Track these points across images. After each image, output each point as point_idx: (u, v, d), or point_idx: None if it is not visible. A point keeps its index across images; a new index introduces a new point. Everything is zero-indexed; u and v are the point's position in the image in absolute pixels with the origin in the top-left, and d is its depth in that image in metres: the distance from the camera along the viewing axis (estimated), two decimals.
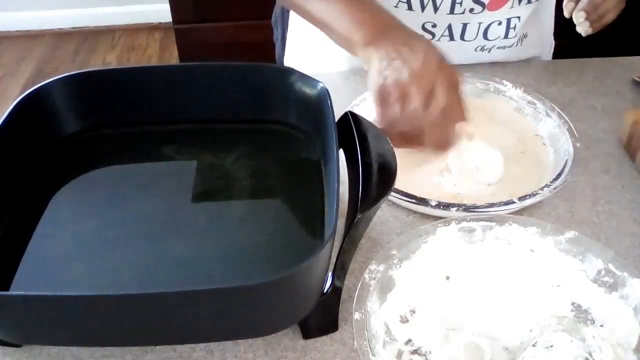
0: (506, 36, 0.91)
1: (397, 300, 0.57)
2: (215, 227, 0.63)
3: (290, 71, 0.69)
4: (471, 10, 0.86)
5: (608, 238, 0.69)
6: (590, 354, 0.51)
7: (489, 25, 0.89)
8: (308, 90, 0.68)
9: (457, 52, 0.90)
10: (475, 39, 0.90)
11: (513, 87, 0.84)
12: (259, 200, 0.67)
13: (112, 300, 0.48)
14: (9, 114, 0.63)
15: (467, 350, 0.53)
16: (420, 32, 0.88)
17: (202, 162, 0.69)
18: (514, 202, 0.67)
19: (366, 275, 0.57)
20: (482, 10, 0.86)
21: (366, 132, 0.60)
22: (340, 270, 0.56)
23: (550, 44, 1.04)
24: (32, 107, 0.66)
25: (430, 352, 0.54)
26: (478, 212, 0.66)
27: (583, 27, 0.84)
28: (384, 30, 0.73)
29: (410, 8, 0.86)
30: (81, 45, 2.67)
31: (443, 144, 0.71)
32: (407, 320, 0.56)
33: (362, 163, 0.56)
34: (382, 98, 0.68)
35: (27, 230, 0.61)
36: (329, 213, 0.59)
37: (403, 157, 0.68)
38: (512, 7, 0.87)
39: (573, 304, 0.58)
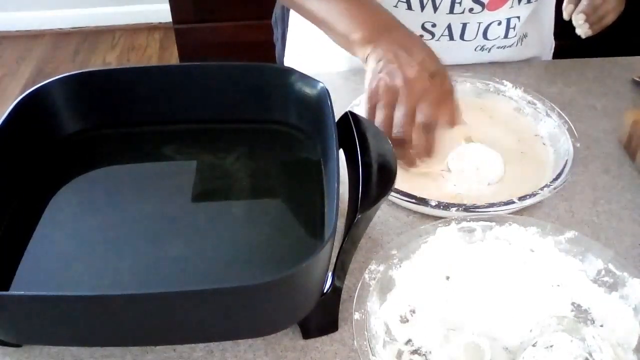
0: (506, 36, 0.91)
1: (397, 300, 0.57)
2: (215, 227, 0.63)
3: (290, 71, 0.69)
4: (471, 10, 0.86)
5: (608, 238, 0.69)
6: (590, 354, 0.51)
7: (488, 25, 0.89)
8: (308, 90, 0.68)
9: (456, 52, 0.90)
10: (475, 38, 0.91)
11: (513, 87, 0.84)
12: (259, 200, 0.67)
13: (112, 300, 0.48)
14: (9, 114, 0.63)
15: (467, 350, 0.53)
16: (420, 31, 0.88)
17: (202, 162, 0.69)
18: (514, 202, 0.67)
19: (366, 275, 0.57)
20: (482, 10, 0.86)
21: (366, 132, 0.60)
22: (340, 270, 0.56)
23: (550, 44, 1.04)
24: (32, 107, 0.66)
25: (430, 352, 0.54)
26: (478, 212, 0.66)
27: (583, 29, 0.84)
28: (383, 30, 0.73)
29: (409, 8, 0.86)
30: (81, 45, 2.67)
31: (426, 152, 0.72)
32: (407, 320, 0.56)
33: (362, 163, 0.56)
34: (373, 101, 0.71)
35: (27, 230, 0.61)
36: (329, 213, 0.59)
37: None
38: (511, 7, 0.87)
39: (573, 304, 0.58)
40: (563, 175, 0.70)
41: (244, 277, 0.58)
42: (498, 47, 0.93)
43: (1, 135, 0.61)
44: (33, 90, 0.66)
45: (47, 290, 0.55)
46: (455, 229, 0.62)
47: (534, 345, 0.52)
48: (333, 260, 0.54)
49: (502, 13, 0.88)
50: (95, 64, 2.53)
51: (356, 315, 0.55)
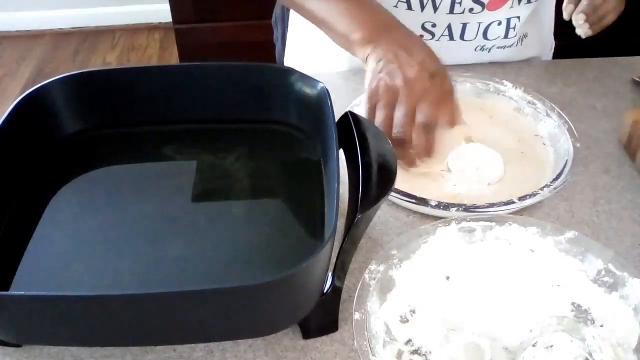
0: (506, 36, 0.91)
1: (397, 300, 0.57)
2: (215, 227, 0.63)
3: (290, 71, 0.69)
4: (471, 10, 0.86)
5: (608, 238, 0.69)
6: (590, 354, 0.51)
7: (488, 25, 0.89)
8: (308, 90, 0.68)
9: (456, 52, 0.90)
10: (475, 38, 0.91)
11: (513, 87, 0.84)
12: (259, 200, 0.67)
13: (112, 300, 0.48)
14: (9, 114, 0.63)
15: (467, 350, 0.53)
16: (420, 32, 0.88)
17: (202, 162, 0.69)
18: (514, 202, 0.67)
19: (366, 275, 0.57)
20: (482, 10, 0.86)
21: (366, 132, 0.60)
22: (340, 270, 0.56)
23: (550, 44, 1.04)
24: (32, 107, 0.66)
25: (430, 352, 0.54)
26: (478, 212, 0.66)
27: (583, 29, 0.84)
28: (383, 30, 0.73)
29: (409, 8, 0.86)
30: (81, 45, 2.67)
31: (426, 152, 0.72)
32: (407, 320, 0.56)
33: (362, 163, 0.56)
34: (372, 101, 0.71)
35: (27, 230, 0.61)
36: (329, 213, 0.59)
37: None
38: (511, 7, 0.87)
39: (573, 304, 0.58)
40: (563, 175, 0.70)
41: (244, 277, 0.58)
42: (498, 47, 0.93)
43: (1, 135, 0.61)
44: (33, 90, 0.66)
45: (47, 290, 0.55)
46: (455, 229, 0.62)
47: (534, 345, 0.52)
48: (333, 260, 0.54)
49: (502, 13, 0.88)
50: (95, 64, 2.53)
51: (356, 315, 0.55)
